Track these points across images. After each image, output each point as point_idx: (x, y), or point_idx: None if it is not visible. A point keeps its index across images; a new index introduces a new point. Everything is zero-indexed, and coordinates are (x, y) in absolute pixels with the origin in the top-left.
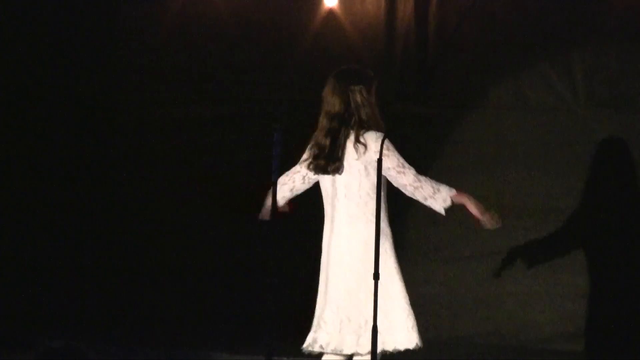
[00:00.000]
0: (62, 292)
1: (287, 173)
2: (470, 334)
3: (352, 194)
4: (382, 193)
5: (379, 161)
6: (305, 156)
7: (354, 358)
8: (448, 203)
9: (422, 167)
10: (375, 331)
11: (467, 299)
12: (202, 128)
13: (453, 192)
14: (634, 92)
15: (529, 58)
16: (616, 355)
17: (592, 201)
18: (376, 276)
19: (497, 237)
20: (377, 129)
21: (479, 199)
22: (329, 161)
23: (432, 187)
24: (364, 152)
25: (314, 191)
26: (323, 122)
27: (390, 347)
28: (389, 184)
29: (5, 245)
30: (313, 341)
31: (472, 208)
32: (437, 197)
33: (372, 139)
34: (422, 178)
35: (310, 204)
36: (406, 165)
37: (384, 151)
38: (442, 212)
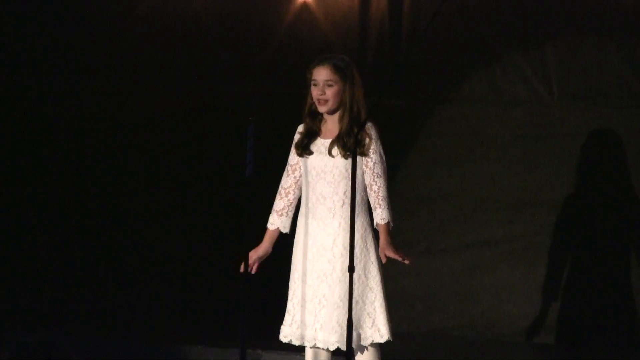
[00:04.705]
0: (37, 287)
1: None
2: (445, 327)
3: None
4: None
5: (354, 150)
6: None
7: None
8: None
9: (396, 160)
10: (350, 325)
11: (442, 292)
12: (175, 121)
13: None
14: (608, 85)
15: (503, 51)
16: (589, 348)
17: (569, 195)
18: (351, 269)
19: (471, 231)
20: None
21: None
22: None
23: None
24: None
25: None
26: None
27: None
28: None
29: None
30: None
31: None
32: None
33: None
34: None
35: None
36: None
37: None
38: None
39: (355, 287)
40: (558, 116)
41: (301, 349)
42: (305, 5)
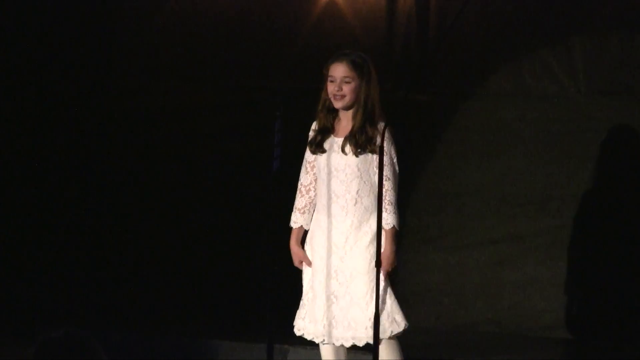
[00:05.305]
0: (62, 282)
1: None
2: (471, 322)
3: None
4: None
5: (381, 148)
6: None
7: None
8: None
9: (423, 155)
10: (377, 320)
11: (468, 287)
12: (202, 116)
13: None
14: (635, 79)
15: (530, 45)
16: (615, 343)
17: (595, 190)
18: (378, 264)
19: (497, 225)
20: None
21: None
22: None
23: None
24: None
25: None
26: None
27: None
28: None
29: (3, 236)
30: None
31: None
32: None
33: None
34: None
35: None
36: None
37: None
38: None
39: (368, 285)
40: (585, 111)
41: None
42: (332, 1)
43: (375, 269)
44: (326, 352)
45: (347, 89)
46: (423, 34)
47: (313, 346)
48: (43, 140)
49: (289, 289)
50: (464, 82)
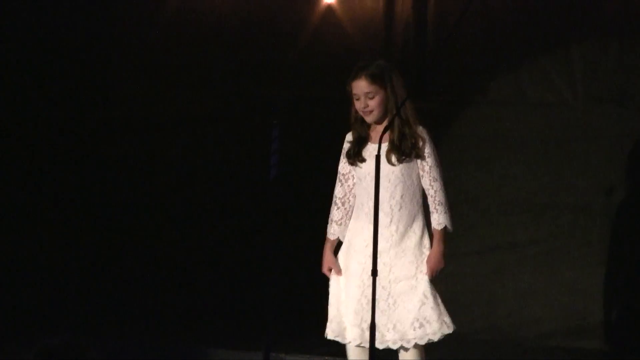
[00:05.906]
0: (60, 289)
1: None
2: (469, 330)
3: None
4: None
5: (377, 156)
6: None
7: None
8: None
9: None
10: (373, 328)
11: (466, 295)
12: (199, 123)
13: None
14: (633, 88)
15: (528, 54)
16: (613, 350)
17: (593, 198)
18: (374, 272)
19: (495, 234)
20: None
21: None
22: None
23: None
24: None
25: (316, 189)
26: None
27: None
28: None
29: (3, 241)
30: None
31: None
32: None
33: None
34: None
35: (310, 202)
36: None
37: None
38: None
39: (416, 288)
40: (583, 119)
41: (325, 353)
42: (329, 8)
43: (422, 271)
44: (358, 355)
45: (373, 103)
46: (421, 41)
47: (310, 355)
48: (42, 146)
49: (286, 297)
50: (462, 89)
